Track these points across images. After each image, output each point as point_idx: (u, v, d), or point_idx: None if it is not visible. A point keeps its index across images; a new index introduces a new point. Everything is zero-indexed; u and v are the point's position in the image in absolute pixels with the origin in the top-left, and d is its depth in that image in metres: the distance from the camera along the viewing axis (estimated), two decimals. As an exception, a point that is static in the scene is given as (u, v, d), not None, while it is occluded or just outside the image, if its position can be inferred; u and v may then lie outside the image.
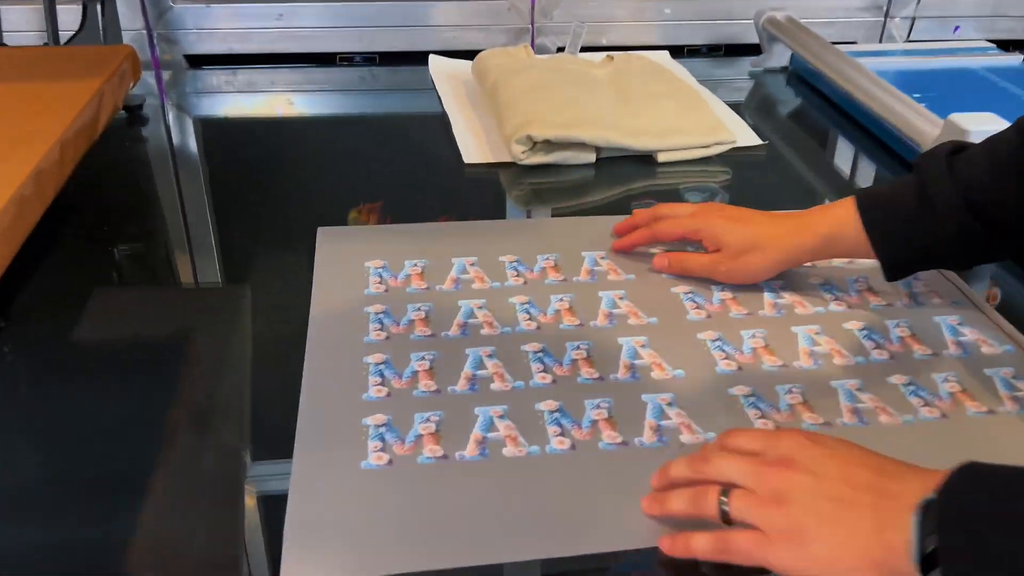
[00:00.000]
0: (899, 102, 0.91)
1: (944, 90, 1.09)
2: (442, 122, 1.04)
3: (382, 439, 0.56)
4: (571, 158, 0.93)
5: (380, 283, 0.72)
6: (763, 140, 1.00)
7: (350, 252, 0.76)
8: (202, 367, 0.66)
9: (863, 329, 0.69)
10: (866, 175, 0.97)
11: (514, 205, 0.90)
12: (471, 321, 0.68)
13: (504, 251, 0.77)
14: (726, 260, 0.71)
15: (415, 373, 0.62)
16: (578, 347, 0.65)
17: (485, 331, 0.67)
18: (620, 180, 0.93)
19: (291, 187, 0.93)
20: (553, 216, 0.85)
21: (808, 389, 0.62)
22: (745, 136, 0.99)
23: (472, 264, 0.75)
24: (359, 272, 0.73)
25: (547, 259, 0.76)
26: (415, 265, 0.74)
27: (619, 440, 0.57)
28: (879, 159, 0.99)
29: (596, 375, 0.63)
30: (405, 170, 0.96)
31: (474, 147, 0.96)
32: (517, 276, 0.74)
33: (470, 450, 0.56)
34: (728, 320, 0.69)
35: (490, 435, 0.57)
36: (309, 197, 0.91)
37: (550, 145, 0.92)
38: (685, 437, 0.58)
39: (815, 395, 0.62)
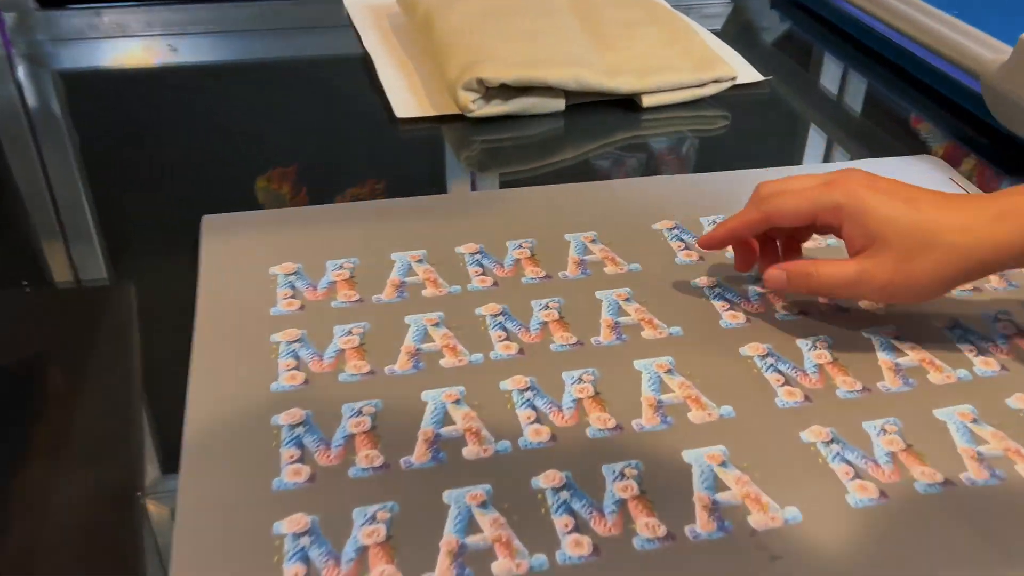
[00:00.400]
0: (940, 22, 0.72)
1: (963, 7, 0.91)
2: (364, 67, 0.83)
3: (305, 559, 0.37)
4: (535, 106, 0.73)
5: (293, 297, 0.51)
6: (765, 76, 0.81)
7: (249, 252, 0.55)
8: (71, 391, 0.45)
9: (955, 328, 0.51)
10: (903, 118, 0.79)
11: (464, 171, 0.69)
12: (426, 348, 0.48)
13: (461, 238, 0.57)
14: (886, 266, 0.45)
15: (349, 439, 0.42)
16: (580, 379, 0.46)
17: (447, 362, 0.47)
18: (597, 132, 0.73)
19: (182, 153, 0.71)
20: (514, 184, 0.65)
21: (908, 425, 0.44)
22: (744, 71, 0.80)
23: (419, 260, 0.55)
24: (262, 283, 0.53)
25: (520, 247, 0.56)
26: (341, 267, 0.54)
27: (662, 532, 0.38)
28: (911, 96, 0.81)
29: (612, 424, 0.44)
30: (321, 130, 0.75)
31: (408, 97, 0.75)
32: (483, 275, 0.54)
33: (442, 571, 0.37)
34: (775, 324, 0.51)
35: (470, 541, 0.38)
36: (206, 165, 0.69)
37: (507, 91, 0.72)
38: (757, 518, 0.39)
39: (920, 434, 0.44)
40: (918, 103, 0.79)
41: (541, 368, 0.47)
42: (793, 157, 0.73)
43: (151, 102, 0.81)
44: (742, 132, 0.75)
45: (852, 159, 0.69)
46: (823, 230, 0.49)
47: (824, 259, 0.48)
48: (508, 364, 0.47)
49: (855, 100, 0.82)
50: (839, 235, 0.48)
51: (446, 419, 0.44)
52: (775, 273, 0.49)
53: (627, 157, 0.71)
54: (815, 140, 0.76)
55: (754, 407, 0.45)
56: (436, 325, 0.50)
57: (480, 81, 0.69)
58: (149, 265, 0.58)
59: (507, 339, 0.49)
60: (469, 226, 0.58)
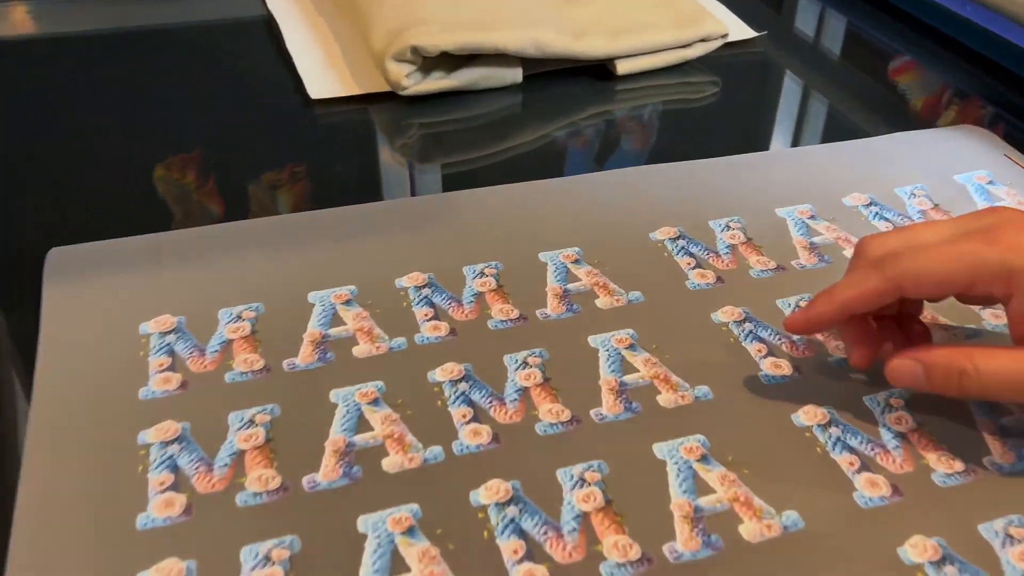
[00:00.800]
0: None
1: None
2: (269, 33, 0.67)
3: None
4: (485, 79, 0.58)
5: (171, 369, 0.37)
6: (758, 31, 0.68)
7: (111, 300, 0.40)
8: None
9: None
10: (928, 80, 0.66)
11: (399, 165, 0.55)
12: (362, 442, 0.34)
13: (403, 265, 0.43)
14: None
15: (254, 608, 0.28)
16: (583, 481, 0.33)
17: (394, 462, 0.33)
18: (562, 109, 0.59)
19: (59, 141, 0.55)
20: (463, 177, 0.51)
21: (1041, 527, 0.32)
22: (734, 27, 0.67)
23: (348, 302, 0.41)
24: (128, 348, 0.38)
25: (482, 275, 0.42)
26: (239, 319, 0.39)
27: None
28: (930, 51, 0.68)
29: (636, 554, 0.30)
30: (222, 112, 0.59)
31: (325, 73, 0.60)
32: (434, 319, 0.40)
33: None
34: (831, 375, 0.38)
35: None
36: (89, 154, 0.54)
37: (449, 61, 0.57)
38: None
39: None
40: (946, 62, 0.67)
41: (527, 463, 0.33)
42: (800, 132, 0.60)
43: (14, 82, 0.64)
44: (736, 101, 0.62)
45: (872, 134, 0.56)
46: (974, 301, 0.36)
47: (981, 347, 0.33)
48: (480, 461, 0.33)
49: (862, 57, 0.69)
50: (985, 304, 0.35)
51: (396, 563, 0.30)
52: (906, 366, 0.34)
53: (601, 139, 0.58)
54: (823, 109, 0.63)
55: (828, 507, 0.32)
56: (374, 403, 0.35)
57: (415, 50, 0.55)
58: (17, 292, 0.43)
59: (475, 419, 0.35)
60: (412, 247, 0.44)
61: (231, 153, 0.55)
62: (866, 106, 0.62)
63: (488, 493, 0.32)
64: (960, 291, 0.33)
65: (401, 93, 0.56)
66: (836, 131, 0.59)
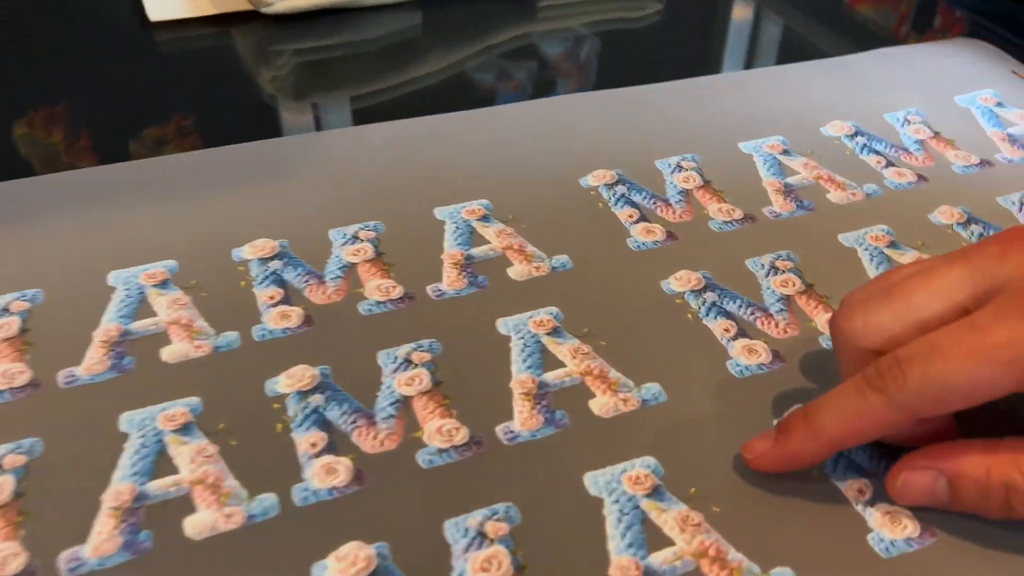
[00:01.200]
0: None
1: None
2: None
3: None
4: (372, -5, 0.47)
5: None
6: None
7: None
8: None
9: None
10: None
11: (270, 102, 0.44)
12: (158, 491, 0.23)
13: (246, 231, 0.32)
14: None
15: None
16: (482, 537, 0.23)
17: (202, 520, 0.23)
18: (472, 32, 0.48)
19: None
20: (350, 117, 0.40)
21: None
22: (677, -69, 0.56)
23: (163, 283, 0.29)
24: None
25: (355, 240, 0.32)
26: (4, 313, 0.28)
27: None
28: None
29: (560, 654, 0.20)
30: (71, 53, 0.47)
31: (175, -10, 0.48)
32: (282, 304, 0.29)
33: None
34: (823, 358, 0.28)
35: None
36: None
37: (326, -29, 0.46)
38: None
39: None
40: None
41: (403, 515, 0.23)
42: (757, 54, 0.50)
43: None
44: (682, 21, 0.52)
45: (841, 52, 0.46)
46: None
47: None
48: (332, 513, 0.23)
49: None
50: None
51: None
52: (922, 481, 0.23)
53: (519, 68, 0.47)
54: (784, 28, 0.53)
55: (842, 563, 0.22)
56: (184, 431, 0.25)
57: (280, -45, 0.43)
58: None
59: (329, 449, 0.24)
60: (261, 205, 0.33)
61: (104, 103, 0.43)
62: (834, 22, 0.52)
63: (341, 565, 0.22)
64: (1000, 397, 0.22)
65: (264, 12, 0.45)
66: (801, 50, 0.49)
